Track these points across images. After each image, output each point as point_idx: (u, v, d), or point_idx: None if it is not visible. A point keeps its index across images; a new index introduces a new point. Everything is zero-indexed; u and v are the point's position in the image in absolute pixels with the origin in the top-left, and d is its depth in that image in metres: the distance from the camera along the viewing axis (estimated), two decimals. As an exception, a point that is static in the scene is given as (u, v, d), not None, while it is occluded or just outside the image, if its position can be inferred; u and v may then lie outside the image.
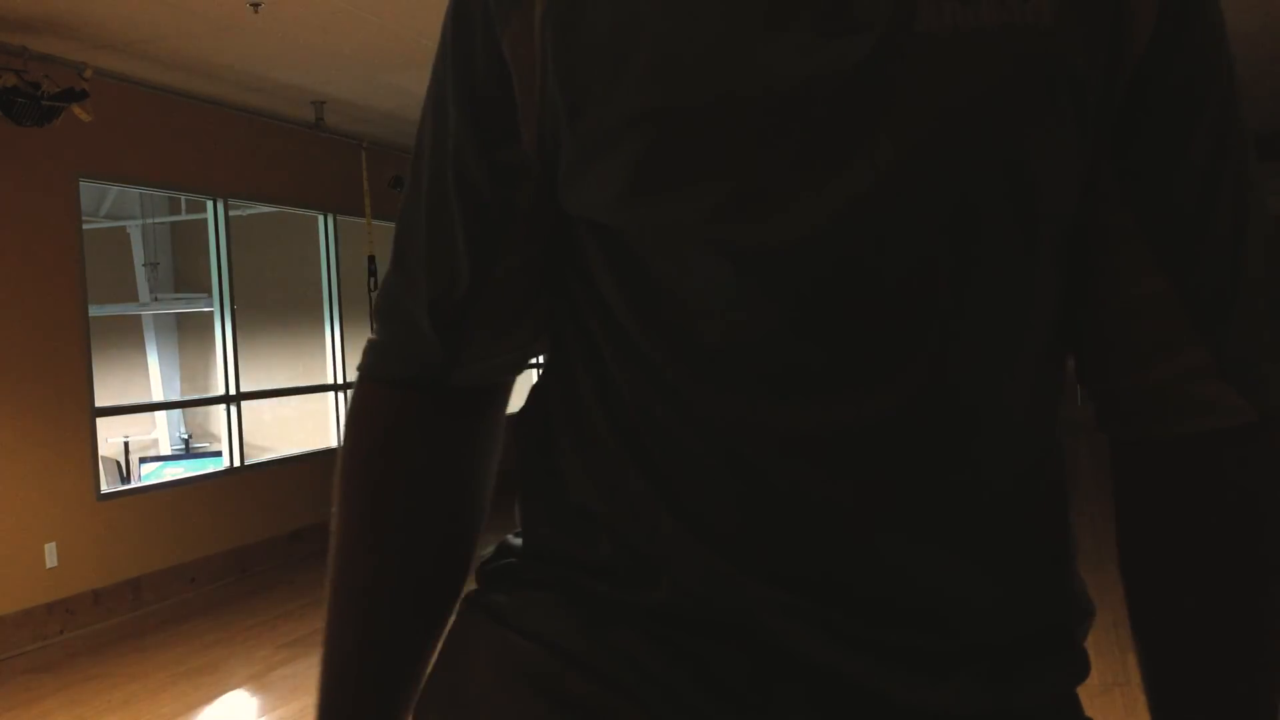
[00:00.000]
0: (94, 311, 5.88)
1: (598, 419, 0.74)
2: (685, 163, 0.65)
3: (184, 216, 9.42)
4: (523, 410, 0.81)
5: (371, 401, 0.79)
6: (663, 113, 0.65)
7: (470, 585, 0.82)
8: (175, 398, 9.82)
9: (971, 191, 0.63)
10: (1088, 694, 0.76)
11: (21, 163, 5.22)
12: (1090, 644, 0.76)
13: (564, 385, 0.77)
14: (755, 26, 0.64)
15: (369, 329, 0.82)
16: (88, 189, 6.15)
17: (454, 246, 0.74)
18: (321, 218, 7.55)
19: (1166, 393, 0.66)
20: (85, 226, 5.77)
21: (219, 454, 7.45)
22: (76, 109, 5.06)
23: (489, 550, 0.82)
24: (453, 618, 0.81)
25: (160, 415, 9.81)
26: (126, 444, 9.08)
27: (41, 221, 5.35)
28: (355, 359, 0.86)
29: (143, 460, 9.18)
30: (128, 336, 9.68)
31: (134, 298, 9.61)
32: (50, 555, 5.27)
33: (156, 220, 9.65)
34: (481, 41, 0.71)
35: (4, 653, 4.96)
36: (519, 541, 0.81)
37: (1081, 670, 0.75)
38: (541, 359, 0.82)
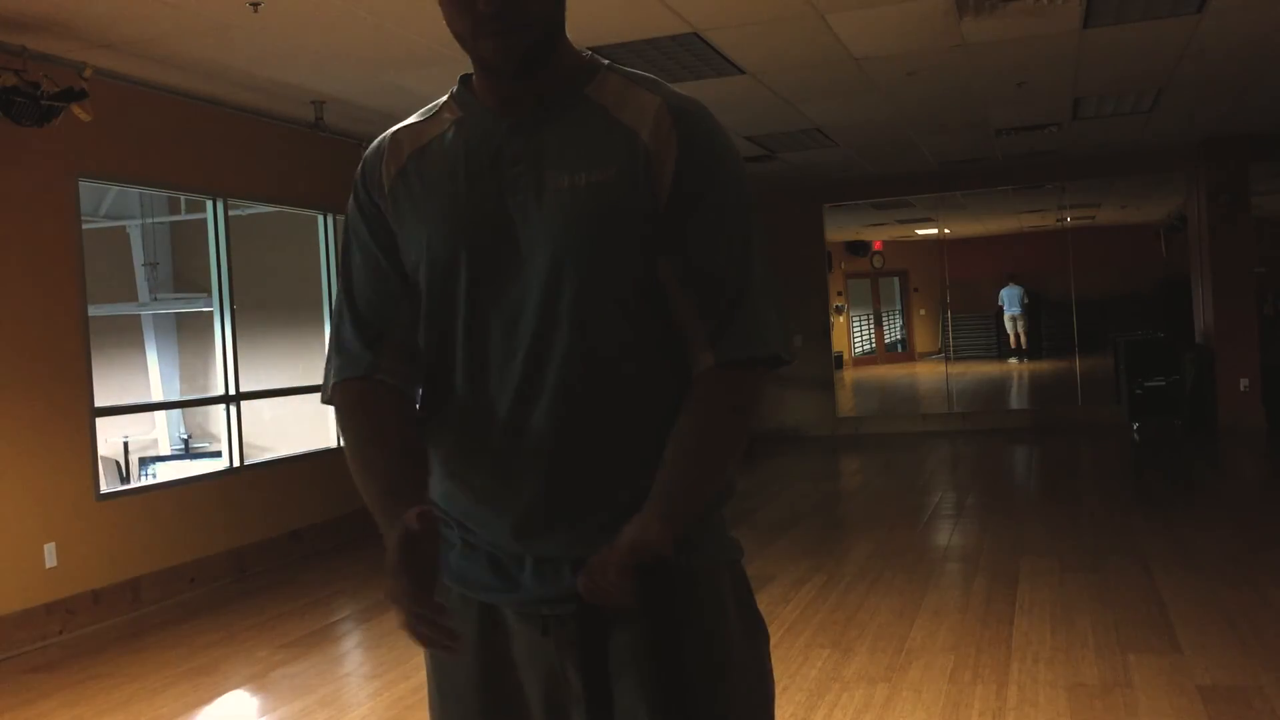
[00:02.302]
0: (93, 311, 5.88)
1: (448, 437, 1.46)
2: (455, 261, 1.41)
3: (183, 216, 9.41)
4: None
5: (343, 388, 1.48)
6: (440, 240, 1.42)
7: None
8: (175, 398, 9.81)
9: (586, 274, 1.35)
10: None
11: (21, 163, 5.22)
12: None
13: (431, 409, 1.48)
14: (480, 191, 1.40)
15: None
16: (87, 189, 6.15)
17: (375, 301, 1.46)
18: (321, 217, 7.56)
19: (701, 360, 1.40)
20: (85, 226, 5.77)
21: (219, 454, 7.44)
22: (76, 109, 5.06)
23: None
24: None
25: (160, 415, 9.79)
26: (126, 444, 9.08)
27: (41, 221, 5.35)
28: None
29: (143, 461, 9.18)
30: (127, 336, 9.67)
31: (133, 298, 9.60)
32: (50, 555, 5.27)
33: (156, 220, 9.63)
34: (367, 203, 1.48)
35: (4, 653, 4.97)
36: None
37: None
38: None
